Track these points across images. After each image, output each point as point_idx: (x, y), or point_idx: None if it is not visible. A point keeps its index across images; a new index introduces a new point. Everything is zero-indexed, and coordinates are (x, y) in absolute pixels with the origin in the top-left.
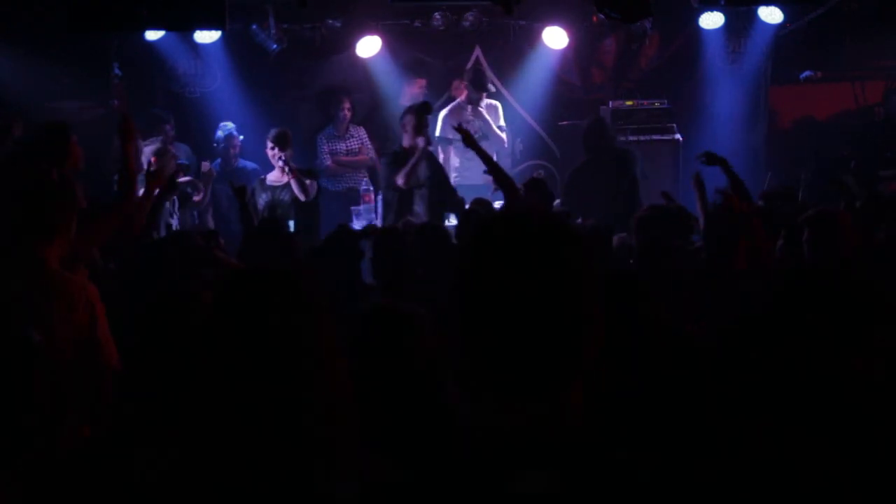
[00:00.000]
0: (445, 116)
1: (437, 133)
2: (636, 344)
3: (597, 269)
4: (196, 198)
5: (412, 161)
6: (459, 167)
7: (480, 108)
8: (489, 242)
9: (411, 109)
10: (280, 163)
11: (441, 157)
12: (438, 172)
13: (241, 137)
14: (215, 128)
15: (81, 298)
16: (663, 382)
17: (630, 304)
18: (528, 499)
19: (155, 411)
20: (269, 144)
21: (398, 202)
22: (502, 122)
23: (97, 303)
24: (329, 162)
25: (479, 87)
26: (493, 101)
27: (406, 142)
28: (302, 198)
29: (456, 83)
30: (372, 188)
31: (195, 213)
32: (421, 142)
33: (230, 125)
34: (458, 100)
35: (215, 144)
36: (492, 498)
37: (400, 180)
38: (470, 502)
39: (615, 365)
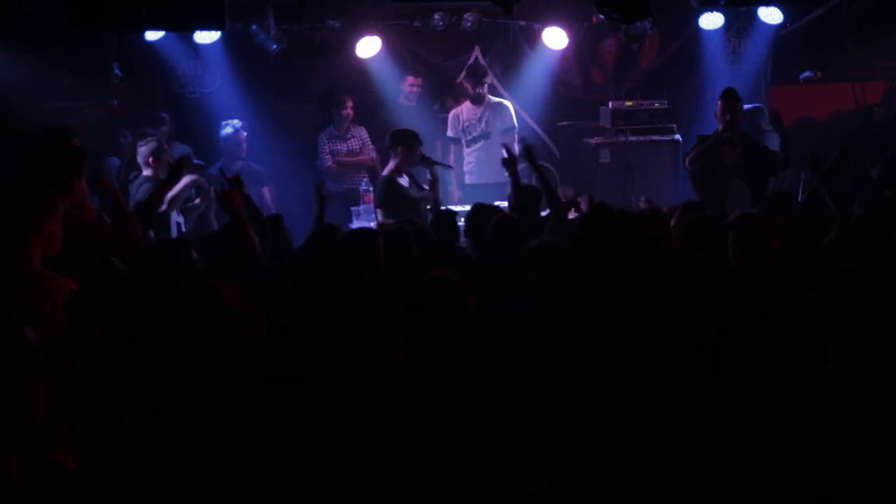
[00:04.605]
0: (452, 117)
1: (449, 133)
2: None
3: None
4: (197, 201)
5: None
6: (475, 166)
7: (486, 109)
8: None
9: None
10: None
11: (451, 157)
12: None
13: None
14: (216, 128)
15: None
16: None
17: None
18: None
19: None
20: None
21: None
22: (513, 123)
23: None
24: (330, 162)
25: (476, 82)
26: (505, 102)
27: None
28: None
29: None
30: (372, 188)
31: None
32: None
33: (237, 122)
34: (462, 101)
35: (222, 143)
36: None
37: None
38: None
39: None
